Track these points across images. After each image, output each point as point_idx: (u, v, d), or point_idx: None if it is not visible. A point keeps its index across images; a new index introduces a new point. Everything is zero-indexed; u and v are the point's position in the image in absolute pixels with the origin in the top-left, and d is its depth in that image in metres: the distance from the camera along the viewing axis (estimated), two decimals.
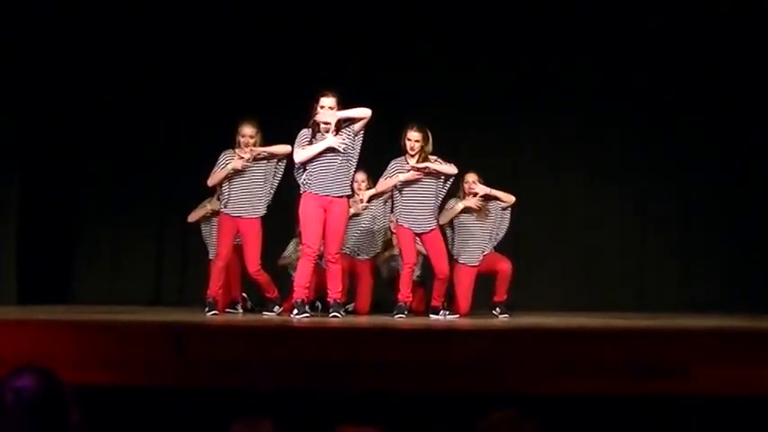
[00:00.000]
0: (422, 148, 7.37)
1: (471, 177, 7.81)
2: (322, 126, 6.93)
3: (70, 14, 9.08)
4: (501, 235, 7.89)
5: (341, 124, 6.96)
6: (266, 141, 7.43)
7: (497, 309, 7.79)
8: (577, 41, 9.26)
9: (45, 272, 8.99)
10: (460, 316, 7.66)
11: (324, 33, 9.29)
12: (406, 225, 7.38)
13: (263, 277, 7.51)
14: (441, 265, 7.45)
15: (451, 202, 7.79)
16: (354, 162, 7.01)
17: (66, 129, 9.25)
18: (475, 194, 7.77)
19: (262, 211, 7.39)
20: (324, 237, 6.95)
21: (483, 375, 4.91)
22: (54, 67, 9.04)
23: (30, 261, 8.72)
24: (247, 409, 3.06)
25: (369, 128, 6.95)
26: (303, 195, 6.97)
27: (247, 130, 7.40)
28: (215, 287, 7.35)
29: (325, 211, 6.91)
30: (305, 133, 7.01)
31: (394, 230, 7.75)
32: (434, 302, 7.53)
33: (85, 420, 2.38)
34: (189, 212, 8.32)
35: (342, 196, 7.00)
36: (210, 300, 7.31)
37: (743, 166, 9.12)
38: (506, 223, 7.88)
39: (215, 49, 9.29)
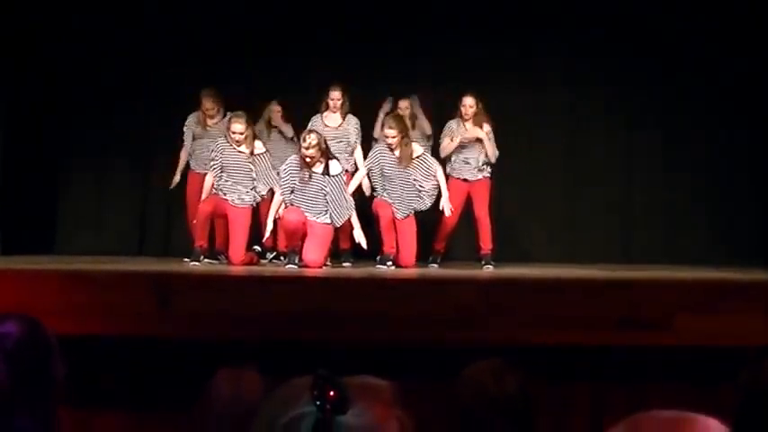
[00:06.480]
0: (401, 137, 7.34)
1: (469, 101, 7.75)
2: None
3: None
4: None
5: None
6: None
7: (484, 261, 7.67)
8: None
9: (30, 222, 8.93)
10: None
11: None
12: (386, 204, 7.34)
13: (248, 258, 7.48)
14: (407, 256, 7.32)
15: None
16: None
17: (51, 79, 9.14)
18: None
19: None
20: None
21: (467, 326, 4.95)
22: (38, 19, 8.91)
23: (14, 211, 8.67)
24: (232, 359, 3.06)
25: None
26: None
27: (237, 128, 7.31)
28: (200, 237, 7.40)
29: None
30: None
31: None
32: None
33: (70, 369, 2.39)
34: (173, 162, 8.32)
35: None
36: (197, 249, 7.37)
37: (731, 118, 9.10)
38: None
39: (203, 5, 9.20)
